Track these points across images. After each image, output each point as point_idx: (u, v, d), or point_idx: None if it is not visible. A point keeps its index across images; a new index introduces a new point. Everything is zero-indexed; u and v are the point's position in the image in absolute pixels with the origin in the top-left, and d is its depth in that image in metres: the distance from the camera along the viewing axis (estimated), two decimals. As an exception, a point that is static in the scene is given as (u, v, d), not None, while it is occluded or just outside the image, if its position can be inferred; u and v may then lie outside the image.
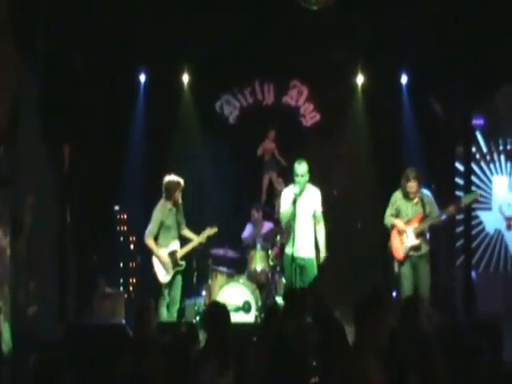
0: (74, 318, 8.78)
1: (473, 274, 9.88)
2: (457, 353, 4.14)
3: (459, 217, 9.71)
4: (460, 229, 9.97)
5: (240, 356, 5.00)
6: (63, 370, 3.87)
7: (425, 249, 8.06)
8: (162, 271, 8.21)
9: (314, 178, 7.98)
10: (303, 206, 7.80)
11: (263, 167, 11.33)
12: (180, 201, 8.30)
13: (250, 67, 10.62)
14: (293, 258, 7.71)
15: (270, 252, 9.21)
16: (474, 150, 10.44)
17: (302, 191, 7.77)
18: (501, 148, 10.73)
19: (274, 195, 10.93)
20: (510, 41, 8.59)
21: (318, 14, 8.33)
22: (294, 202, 7.65)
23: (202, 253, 8.83)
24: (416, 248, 8.04)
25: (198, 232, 8.42)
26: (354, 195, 10.60)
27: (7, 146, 7.21)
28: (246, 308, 8.66)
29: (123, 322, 8.48)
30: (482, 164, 10.74)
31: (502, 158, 10.73)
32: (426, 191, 8.25)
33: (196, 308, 8.86)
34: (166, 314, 8.16)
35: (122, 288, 9.81)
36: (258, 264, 9.10)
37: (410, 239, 8.04)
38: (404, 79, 10.59)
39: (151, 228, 8.20)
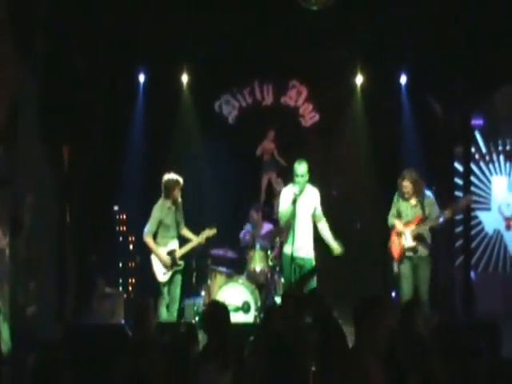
0: (73, 317, 8.77)
1: (472, 274, 9.89)
2: (456, 353, 4.14)
3: (458, 217, 9.72)
4: (459, 229, 9.98)
5: (239, 356, 5.00)
6: (62, 369, 3.87)
7: (422, 251, 8.05)
8: (161, 270, 8.21)
9: (313, 179, 7.98)
10: (303, 205, 7.80)
11: (262, 167, 11.33)
12: (179, 200, 8.30)
13: (250, 67, 10.62)
14: (292, 258, 7.70)
15: (269, 252, 9.21)
16: (473, 150, 10.46)
17: (301, 191, 7.77)
18: (500, 148, 10.74)
19: (273, 195, 10.94)
20: (510, 41, 8.59)
21: (318, 14, 8.32)
22: (294, 201, 7.65)
23: (201, 253, 8.83)
24: (412, 250, 8.05)
25: (196, 232, 8.42)
26: (354, 195, 10.60)
27: (6, 145, 7.21)
28: (245, 308, 8.66)
29: (122, 322, 8.48)
30: (482, 164, 10.75)
31: (502, 158, 10.75)
32: (427, 192, 8.26)
33: (195, 308, 8.86)
34: (166, 313, 8.17)
35: (121, 288, 9.82)
36: (258, 264, 9.09)
37: (408, 241, 8.06)
38: (403, 79, 10.59)
39: (150, 226, 8.20)
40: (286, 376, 4.72)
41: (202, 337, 5.52)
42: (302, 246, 7.86)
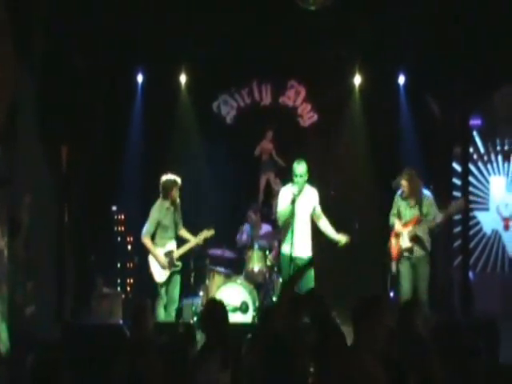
0: (72, 317, 8.77)
1: (470, 274, 9.89)
2: (454, 353, 4.14)
3: (457, 217, 9.73)
4: (457, 229, 9.99)
5: (237, 354, 5.00)
6: (61, 369, 3.87)
7: (418, 252, 8.08)
8: (158, 271, 8.20)
9: (312, 179, 7.97)
10: (302, 205, 7.79)
11: (260, 167, 11.33)
12: (178, 200, 8.29)
13: (248, 67, 10.62)
14: (291, 258, 7.69)
15: (267, 252, 9.21)
16: (471, 150, 10.47)
17: (300, 191, 7.76)
18: (498, 148, 10.76)
19: (271, 195, 10.94)
20: (510, 41, 8.59)
21: (317, 14, 8.32)
22: (293, 201, 7.64)
23: (199, 253, 8.84)
24: (409, 250, 8.08)
25: (195, 232, 8.41)
26: (352, 195, 10.60)
27: (5, 145, 7.19)
28: (243, 308, 8.66)
29: (121, 322, 8.47)
30: (480, 164, 10.77)
31: (500, 158, 10.76)
32: (426, 192, 8.28)
33: (193, 308, 8.86)
34: (164, 313, 8.16)
35: (119, 288, 9.83)
36: (256, 264, 9.10)
37: (405, 241, 8.10)
38: (402, 79, 10.60)
39: (148, 227, 8.19)
40: (283, 376, 4.72)
41: (200, 337, 5.52)
42: (300, 246, 7.85)
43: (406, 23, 9.09)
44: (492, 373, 4.36)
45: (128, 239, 10.17)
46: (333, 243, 8.05)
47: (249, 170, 11.07)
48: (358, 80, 10.67)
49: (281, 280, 8.80)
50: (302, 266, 7.41)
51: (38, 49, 7.96)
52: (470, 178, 10.11)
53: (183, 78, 10.79)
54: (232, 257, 9.58)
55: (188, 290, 8.96)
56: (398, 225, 8.17)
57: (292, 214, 7.70)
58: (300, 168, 7.74)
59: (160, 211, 8.20)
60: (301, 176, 7.73)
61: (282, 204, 7.86)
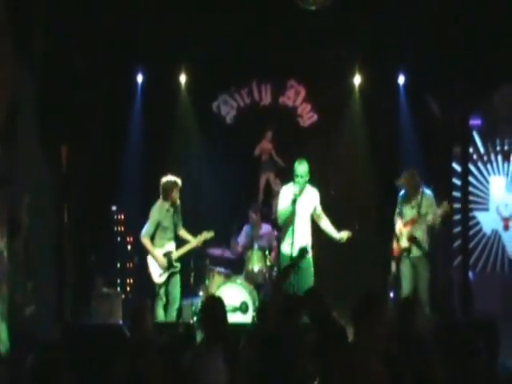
0: (72, 317, 8.77)
1: (470, 274, 9.88)
2: (454, 353, 4.14)
3: (456, 217, 9.75)
4: (457, 229, 9.98)
5: (235, 351, 5.00)
6: (61, 370, 3.87)
7: (415, 253, 8.12)
8: (157, 271, 8.21)
9: (312, 179, 7.98)
10: (302, 205, 7.79)
11: (260, 167, 11.32)
12: (178, 201, 8.30)
13: (247, 67, 10.61)
14: (291, 258, 7.68)
15: (267, 252, 9.21)
16: (471, 150, 10.47)
17: (301, 191, 7.75)
18: (498, 148, 10.76)
19: (271, 195, 10.94)
20: (510, 41, 8.59)
21: (317, 14, 8.32)
22: (294, 201, 7.64)
23: (199, 253, 8.84)
24: (407, 251, 8.12)
25: (194, 232, 8.41)
26: (352, 195, 10.59)
27: (5, 145, 7.20)
28: (243, 308, 8.67)
29: (120, 322, 8.48)
30: (480, 164, 10.77)
31: (499, 158, 10.76)
32: (428, 192, 8.30)
33: (193, 308, 8.85)
34: (163, 314, 8.17)
35: (119, 288, 9.82)
36: (256, 264, 9.09)
37: (403, 241, 8.17)
38: (401, 79, 10.60)
39: (148, 227, 8.20)
40: (278, 376, 4.72)
41: (200, 337, 5.51)
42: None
43: (405, 23, 9.08)
44: (492, 373, 4.36)
45: (128, 239, 10.16)
46: (334, 242, 8.05)
47: (249, 170, 11.05)
48: (357, 80, 10.67)
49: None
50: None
51: (37, 49, 7.97)
52: (470, 178, 10.11)
53: (183, 78, 10.78)
54: (232, 257, 9.58)
55: (188, 290, 8.96)
56: (399, 224, 8.21)
57: (292, 214, 7.70)
58: (301, 168, 7.73)
59: (160, 212, 8.20)
60: (302, 176, 7.72)
61: (283, 203, 7.85)
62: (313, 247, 7.99)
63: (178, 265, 8.25)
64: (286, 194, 7.85)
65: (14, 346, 7.06)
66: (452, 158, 10.13)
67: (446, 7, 8.79)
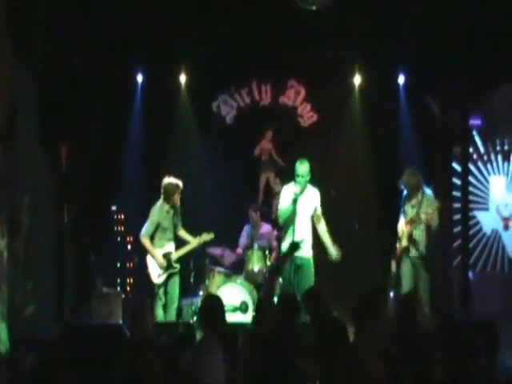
0: (72, 317, 8.77)
1: (470, 274, 9.89)
2: (454, 353, 4.13)
3: (456, 217, 9.75)
4: (457, 229, 9.98)
5: (234, 349, 5.00)
6: (61, 370, 3.86)
7: (413, 252, 8.16)
8: (156, 272, 8.21)
9: (312, 178, 7.98)
10: (303, 205, 7.78)
11: (260, 167, 11.31)
12: (178, 204, 8.30)
13: (247, 67, 10.62)
14: (292, 258, 7.68)
15: (267, 252, 9.21)
16: (471, 150, 10.47)
17: (302, 191, 7.75)
18: (498, 148, 10.76)
19: (271, 195, 10.94)
20: (510, 41, 8.59)
21: (317, 14, 8.31)
22: (295, 201, 7.63)
23: (199, 253, 8.83)
24: (406, 250, 8.14)
25: (194, 233, 8.41)
26: (352, 195, 10.59)
27: (4, 145, 7.19)
28: (243, 308, 8.67)
29: (120, 322, 8.48)
30: (480, 164, 10.77)
31: (499, 158, 10.76)
32: (428, 191, 8.31)
33: (193, 308, 8.85)
34: (163, 314, 8.17)
35: (119, 288, 9.82)
36: (256, 264, 9.10)
37: (403, 241, 8.18)
38: (401, 79, 10.59)
39: (147, 228, 8.21)
40: (277, 375, 4.72)
41: (199, 337, 5.52)
42: (301, 246, 7.84)
43: (405, 23, 9.08)
44: (491, 373, 4.36)
45: (128, 239, 10.16)
46: (325, 252, 8.02)
47: (249, 169, 11.05)
48: (357, 80, 10.66)
49: (281, 280, 8.79)
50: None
51: (37, 49, 7.96)
52: (470, 178, 10.11)
53: (183, 78, 10.78)
54: (232, 260, 9.58)
55: (188, 290, 8.96)
56: (401, 224, 8.25)
57: (293, 214, 7.69)
58: (302, 168, 7.72)
59: (160, 213, 8.21)
60: (303, 176, 7.71)
61: (284, 203, 7.84)
62: (313, 247, 7.98)
63: (177, 266, 8.25)
64: (286, 194, 7.84)
65: (14, 346, 7.05)
66: (452, 157, 10.12)
67: (445, 7, 8.79)
